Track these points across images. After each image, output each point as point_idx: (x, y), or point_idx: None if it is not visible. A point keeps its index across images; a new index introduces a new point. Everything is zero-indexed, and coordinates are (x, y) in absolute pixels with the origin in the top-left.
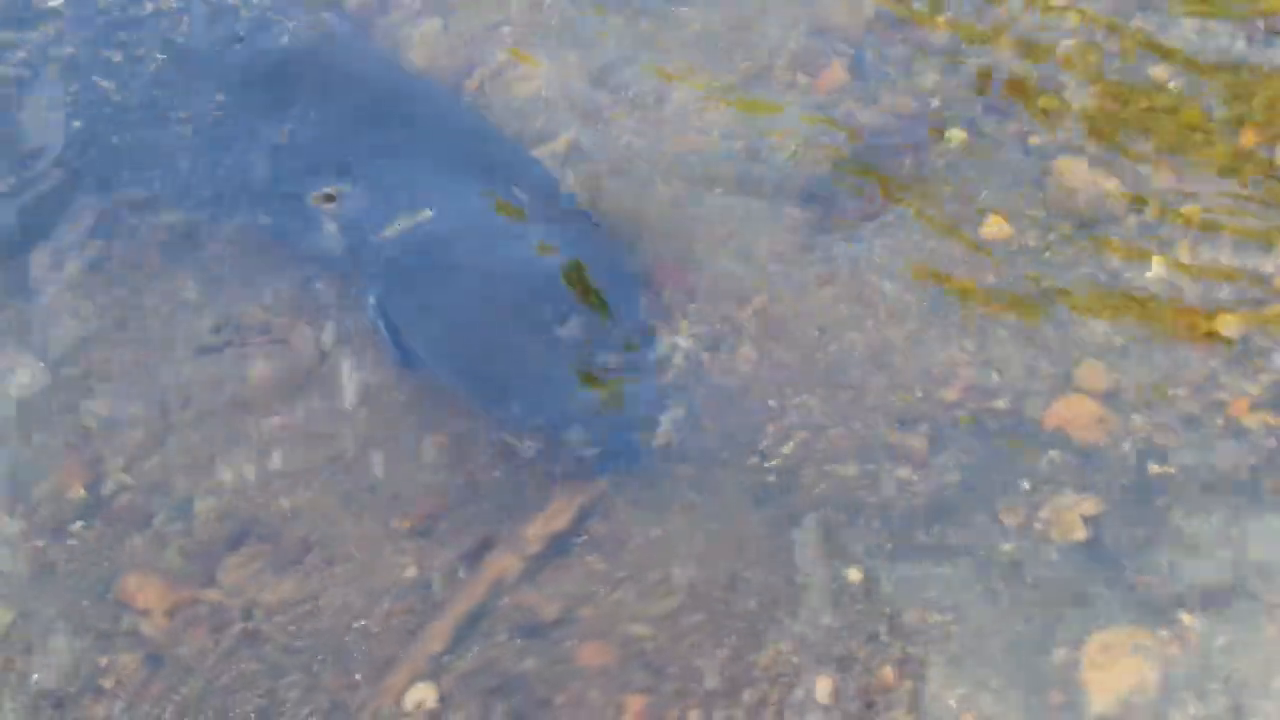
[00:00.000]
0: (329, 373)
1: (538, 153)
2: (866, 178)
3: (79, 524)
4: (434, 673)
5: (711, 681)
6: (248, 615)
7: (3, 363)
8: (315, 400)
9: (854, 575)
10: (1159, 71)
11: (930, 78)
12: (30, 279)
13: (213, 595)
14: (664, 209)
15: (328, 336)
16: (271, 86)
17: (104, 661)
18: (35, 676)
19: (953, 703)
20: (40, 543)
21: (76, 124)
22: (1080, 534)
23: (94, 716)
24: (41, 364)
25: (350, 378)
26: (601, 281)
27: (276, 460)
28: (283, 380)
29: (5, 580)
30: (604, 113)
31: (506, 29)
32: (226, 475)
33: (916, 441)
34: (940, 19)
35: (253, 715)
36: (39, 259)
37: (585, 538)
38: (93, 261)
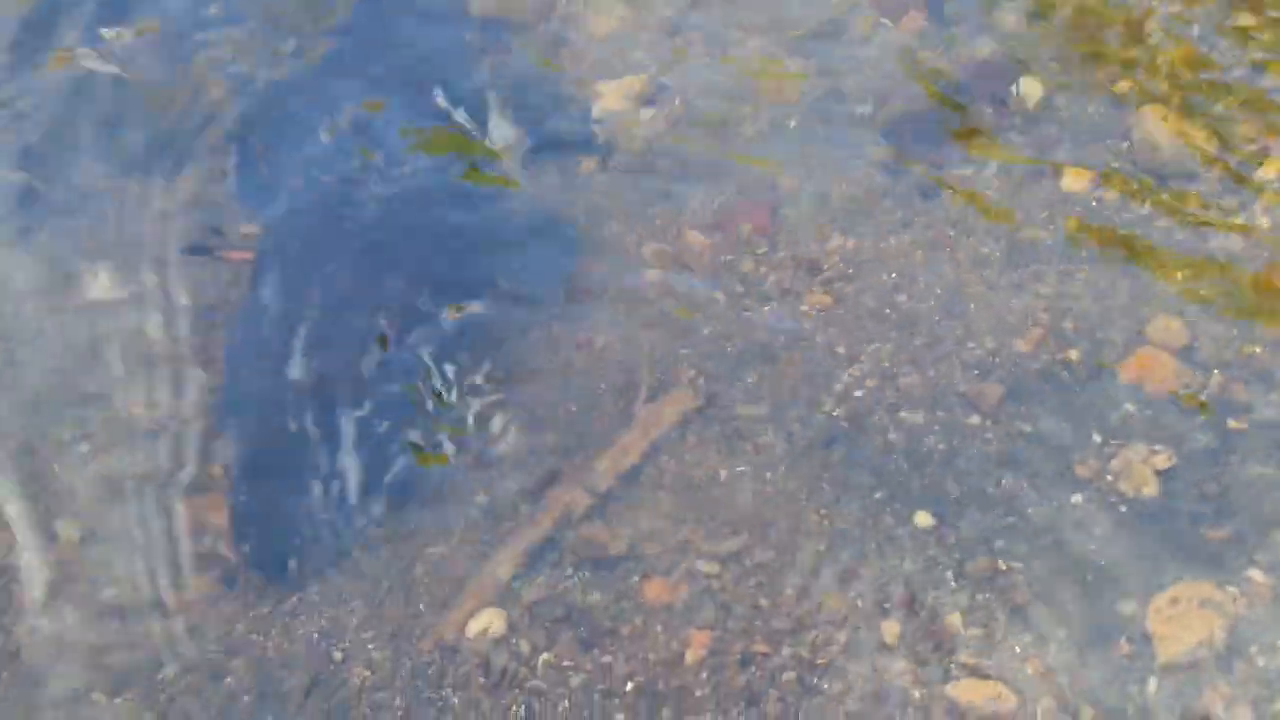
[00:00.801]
0: None
1: (615, 89)
2: (945, 124)
3: (141, 454)
4: (501, 601)
5: (778, 621)
6: None
7: None
8: None
9: (923, 521)
10: (1248, 20)
11: (1010, 23)
12: None
13: None
14: (743, 148)
15: None
16: None
17: (164, 580)
18: (105, 592)
19: (1018, 649)
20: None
21: None
22: (1152, 488)
23: (150, 631)
24: None
25: None
26: None
27: None
28: None
29: (68, 500)
30: (684, 53)
31: None
32: None
33: (989, 390)
34: None
35: (315, 636)
36: None
37: (655, 473)
38: None
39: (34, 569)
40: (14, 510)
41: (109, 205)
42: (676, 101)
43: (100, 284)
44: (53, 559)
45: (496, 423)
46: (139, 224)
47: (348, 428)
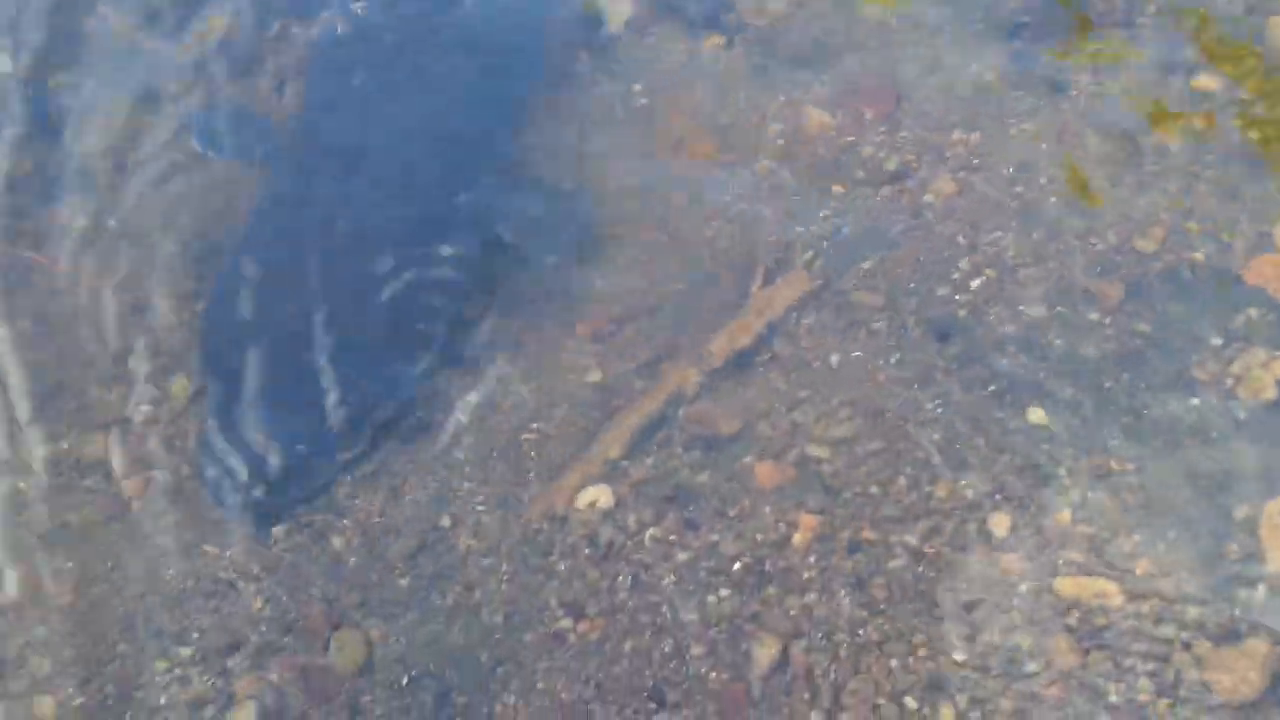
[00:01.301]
0: None
1: None
2: (1076, 18)
3: None
4: (609, 477)
5: (887, 509)
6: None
7: None
8: None
9: (1036, 416)
10: None
11: None
12: None
13: None
14: (869, 32)
15: None
16: None
17: None
18: None
19: (1127, 549)
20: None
21: None
22: (1270, 394)
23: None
24: None
25: None
26: None
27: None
28: None
29: (186, 356)
30: None
31: None
32: None
33: (1110, 288)
34: None
35: (424, 500)
36: None
37: (768, 356)
38: None
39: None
40: None
41: None
42: None
43: None
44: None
45: (609, 298)
46: None
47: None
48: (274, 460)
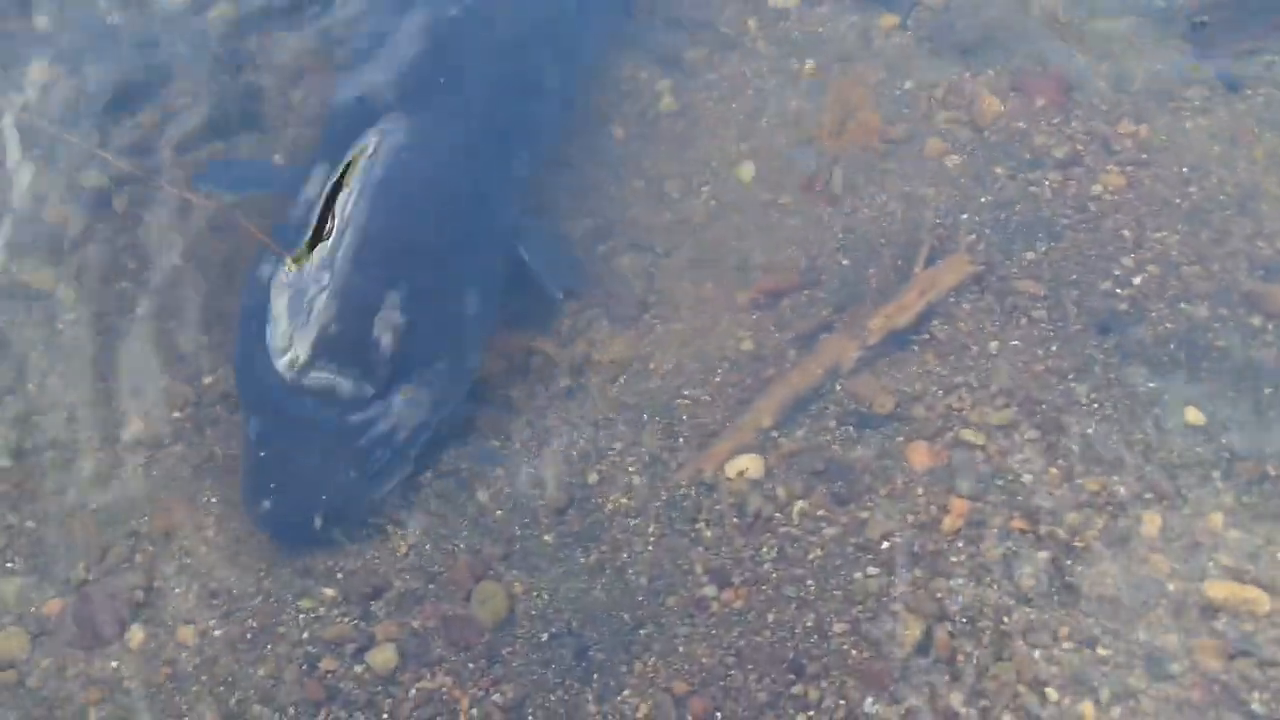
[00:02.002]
0: None
1: None
2: (1259, 14)
3: None
4: (760, 447)
5: (1039, 499)
6: (579, 362)
7: None
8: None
9: (1193, 417)
10: None
11: None
12: None
13: (546, 341)
14: (1042, 19)
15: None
16: None
17: None
18: None
19: (1279, 556)
20: None
21: None
22: None
23: None
24: None
25: None
26: None
27: (616, 216)
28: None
29: None
30: None
31: None
32: (569, 225)
33: (1275, 292)
34: None
35: (574, 456)
36: None
37: (927, 337)
38: None
39: None
40: None
41: None
42: None
43: None
44: None
45: (770, 269)
46: None
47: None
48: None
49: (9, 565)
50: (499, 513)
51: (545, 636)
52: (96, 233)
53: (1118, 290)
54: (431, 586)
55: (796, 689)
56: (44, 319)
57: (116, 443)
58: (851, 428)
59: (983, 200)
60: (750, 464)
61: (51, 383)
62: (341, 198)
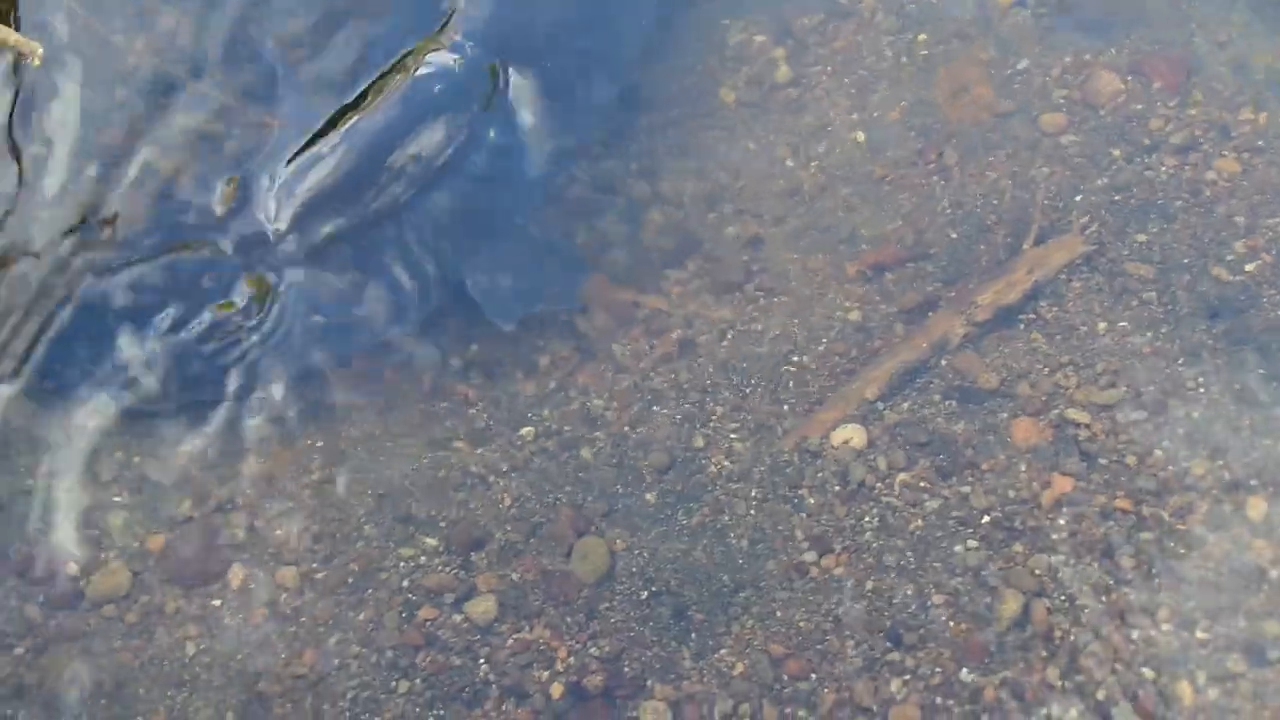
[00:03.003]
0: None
1: None
2: None
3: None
4: (864, 417)
5: (1142, 480)
6: (686, 325)
7: None
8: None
9: None
10: None
11: None
12: None
13: (654, 300)
14: (1163, 5)
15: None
16: None
17: (540, 343)
18: (473, 346)
19: None
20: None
21: None
22: None
23: (523, 390)
24: None
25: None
26: None
27: (727, 180)
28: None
29: None
30: None
31: None
32: (677, 188)
33: None
34: None
35: (679, 418)
36: None
37: (1034, 315)
38: None
39: None
40: None
41: None
42: None
43: None
44: None
45: (879, 241)
46: None
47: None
48: None
49: (115, 499)
50: (602, 470)
51: (644, 594)
52: None
53: (1230, 276)
54: (532, 540)
55: (893, 656)
56: None
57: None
58: (955, 402)
59: (1098, 182)
60: (854, 434)
61: None
62: None
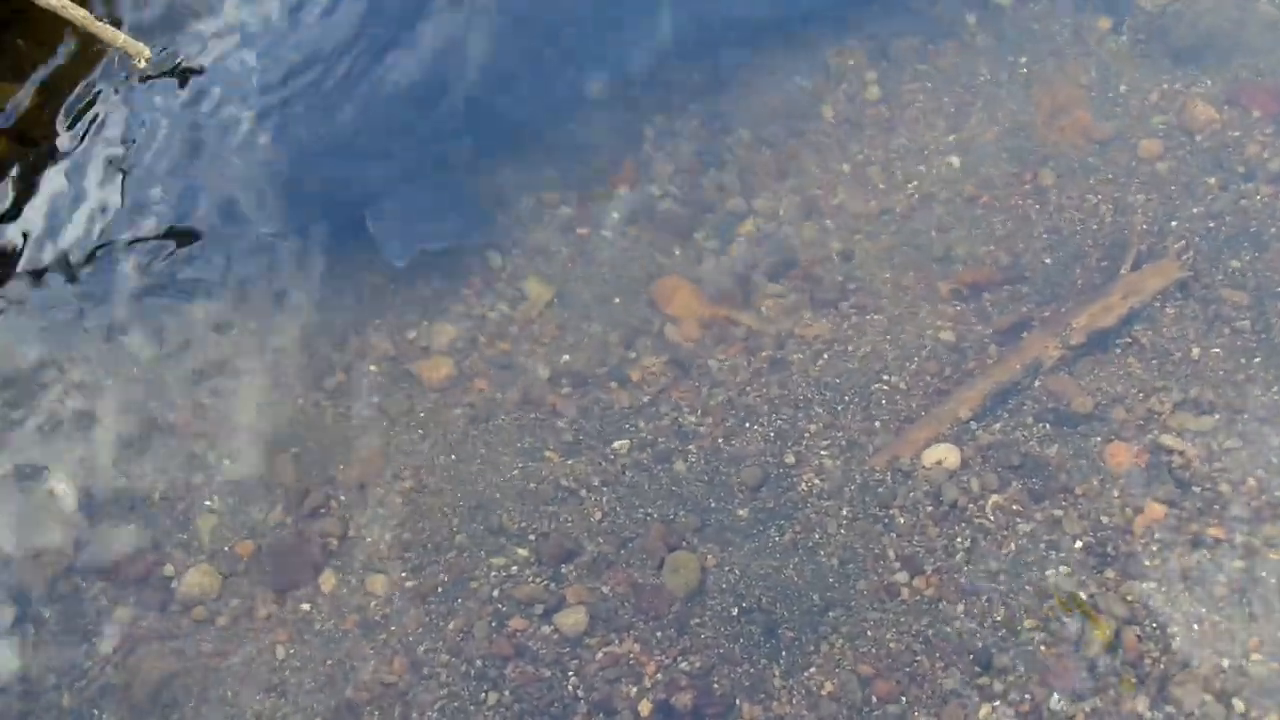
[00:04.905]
0: None
1: None
2: None
3: (617, 218)
4: (957, 437)
5: (1235, 508)
6: (778, 342)
7: None
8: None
9: None
10: None
11: None
12: None
13: (747, 318)
14: (1261, 30)
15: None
16: None
17: (631, 355)
18: (565, 357)
19: None
20: (584, 230)
21: None
22: None
23: (617, 401)
24: None
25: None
26: None
27: (827, 200)
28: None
29: (549, 260)
30: None
31: None
32: (772, 205)
33: None
34: None
35: (771, 435)
36: None
37: (1129, 340)
38: None
39: None
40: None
41: None
42: None
43: None
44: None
45: (974, 261)
46: None
47: None
48: None
49: (206, 504)
50: (694, 485)
51: (735, 611)
52: None
53: None
54: (623, 553)
55: (983, 680)
56: None
57: (319, 390)
58: (1049, 425)
59: (1194, 209)
60: (947, 454)
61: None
62: None
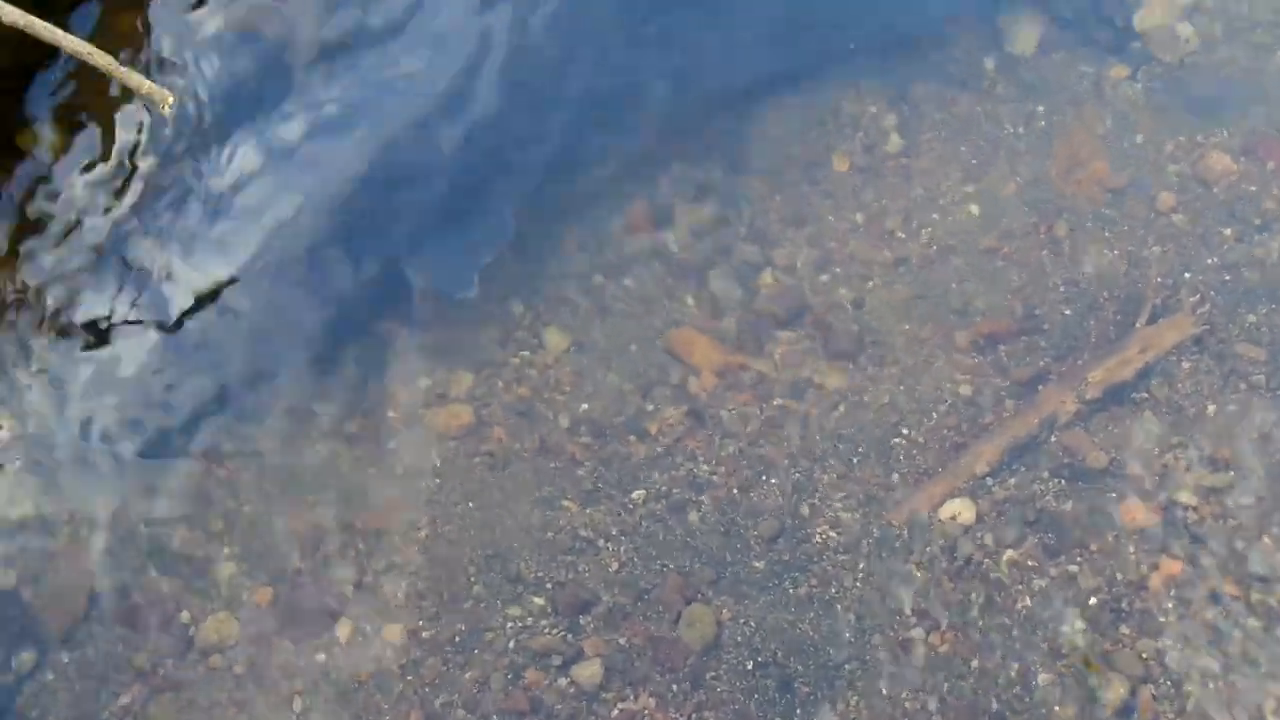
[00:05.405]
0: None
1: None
2: None
3: (639, 269)
4: (973, 491)
5: (1253, 565)
6: (794, 393)
7: None
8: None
9: None
10: None
11: None
12: None
13: (763, 367)
14: (1275, 84)
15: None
16: None
17: (649, 407)
18: (582, 405)
19: None
20: (601, 278)
21: None
22: None
23: (633, 454)
24: None
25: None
26: None
27: (836, 249)
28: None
29: (567, 308)
30: None
31: None
32: (788, 256)
33: None
34: None
35: (788, 488)
36: None
37: (1145, 395)
38: None
39: None
40: None
41: None
42: (1221, 23)
43: None
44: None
45: (990, 313)
46: None
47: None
48: None
49: (225, 550)
50: (710, 537)
51: (750, 665)
52: None
53: None
54: (640, 604)
55: None
56: None
57: (337, 437)
58: (1064, 480)
59: (1209, 261)
60: (963, 509)
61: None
62: None
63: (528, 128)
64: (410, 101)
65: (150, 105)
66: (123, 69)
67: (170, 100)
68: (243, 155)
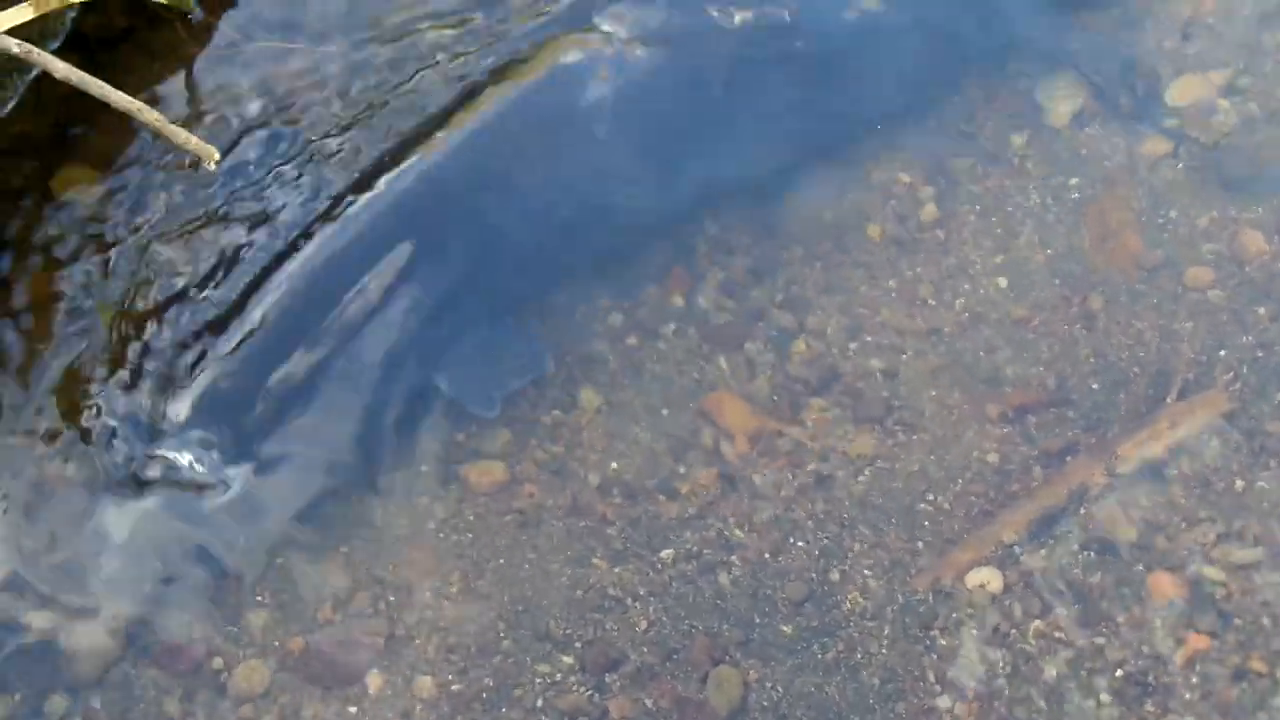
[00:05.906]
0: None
1: (1197, 79)
2: None
3: (668, 328)
4: (1001, 561)
5: (1277, 642)
6: (824, 459)
7: None
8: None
9: None
10: None
11: None
12: None
13: (795, 432)
14: None
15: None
16: None
17: (681, 469)
18: (613, 464)
19: None
20: (635, 339)
21: None
22: None
23: (664, 513)
24: None
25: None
26: None
27: (871, 318)
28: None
29: (600, 368)
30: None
31: None
32: (822, 321)
33: None
34: None
35: (816, 553)
36: None
37: (1174, 470)
38: None
39: None
40: None
41: None
42: (1259, 102)
43: None
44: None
45: (1020, 383)
46: None
47: None
48: None
49: (258, 599)
50: (739, 599)
51: None
52: None
53: None
54: (668, 664)
55: None
56: None
57: (370, 489)
58: (1093, 553)
59: (1243, 339)
60: (990, 578)
61: None
62: None
63: (566, 189)
64: None
65: (196, 162)
66: (170, 125)
67: (216, 157)
68: None
